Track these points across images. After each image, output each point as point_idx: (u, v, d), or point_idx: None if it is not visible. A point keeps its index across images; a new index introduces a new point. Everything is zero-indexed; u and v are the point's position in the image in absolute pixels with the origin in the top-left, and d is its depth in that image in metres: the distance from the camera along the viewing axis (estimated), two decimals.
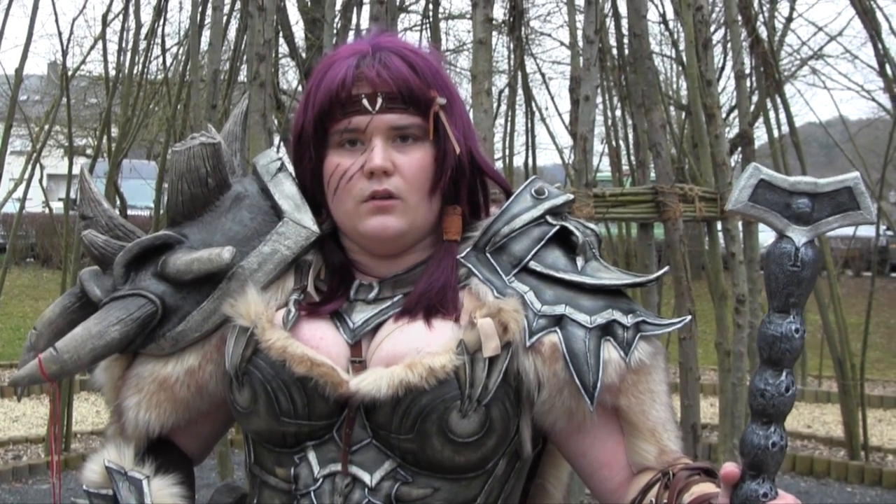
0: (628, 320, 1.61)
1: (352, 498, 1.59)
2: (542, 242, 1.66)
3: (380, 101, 1.62)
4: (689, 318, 1.82)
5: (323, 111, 1.65)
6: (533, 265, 1.64)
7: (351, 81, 1.63)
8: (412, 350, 1.58)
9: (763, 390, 1.31)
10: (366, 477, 1.59)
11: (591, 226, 1.72)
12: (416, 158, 1.64)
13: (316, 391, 1.58)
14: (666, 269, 2.06)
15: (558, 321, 1.58)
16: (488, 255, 1.67)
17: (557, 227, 1.68)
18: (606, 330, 1.59)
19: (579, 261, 1.66)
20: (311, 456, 1.63)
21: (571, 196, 1.74)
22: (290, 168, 1.78)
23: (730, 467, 1.32)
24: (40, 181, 8.36)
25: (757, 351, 1.35)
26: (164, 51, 7.71)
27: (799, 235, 1.32)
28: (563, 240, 1.68)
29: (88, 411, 9.27)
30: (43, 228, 19.45)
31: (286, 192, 1.74)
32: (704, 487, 1.48)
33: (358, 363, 1.62)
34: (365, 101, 1.63)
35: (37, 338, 1.76)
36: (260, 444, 1.70)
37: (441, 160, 1.66)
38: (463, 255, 1.68)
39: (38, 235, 20.38)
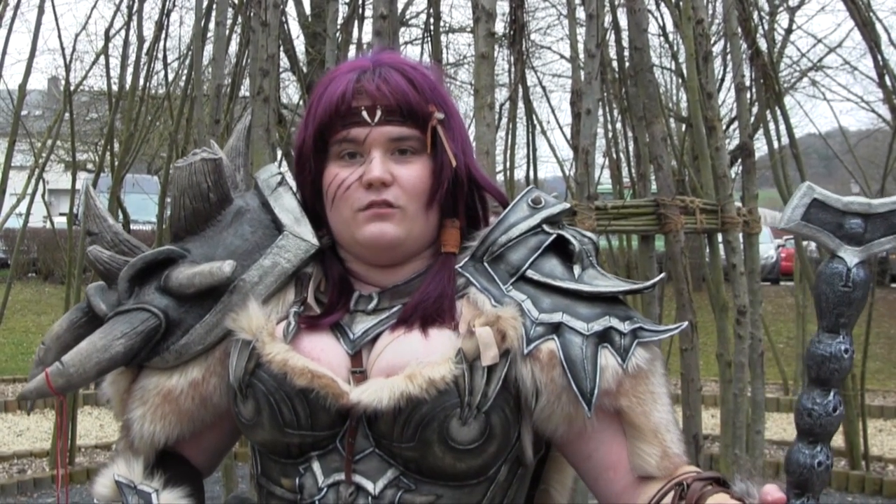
0: (625, 327, 1.62)
1: None
2: (540, 251, 1.69)
3: (379, 113, 1.65)
4: (685, 323, 1.83)
5: (323, 123, 1.68)
6: (530, 274, 1.66)
7: (351, 94, 1.66)
8: (411, 360, 1.60)
9: (811, 409, 1.32)
10: (369, 485, 1.61)
11: (589, 234, 1.74)
12: (414, 170, 1.67)
13: (318, 402, 1.60)
14: (662, 275, 2.07)
15: (556, 329, 1.60)
16: (486, 264, 1.70)
17: (554, 236, 1.70)
18: (604, 337, 1.60)
19: (576, 269, 1.68)
20: (316, 466, 1.65)
21: (568, 205, 1.77)
22: (291, 182, 1.80)
23: (775, 493, 1.33)
24: (42, 196, 8.37)
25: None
26: (165, 65, 7.73)
27: (851, 256, 1.32)
28: (561, 248, 1.70)
29: (92, 425, 9.29)
30: (45, 243, 19.46)
31: (286, 205, 1.77)
32: (721, 498, 1.48)
33: (358, 373, 1.64)
34: (364, 114, 1.66)
35: (45, 352, 1.78)
36: (265, 455, 1.72)
37: (438, 173, 1.69)
38: (461, 264, 1.70)
39: (39, 250, 20.38)
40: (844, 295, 1.31)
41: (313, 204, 1.76)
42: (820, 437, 1.32)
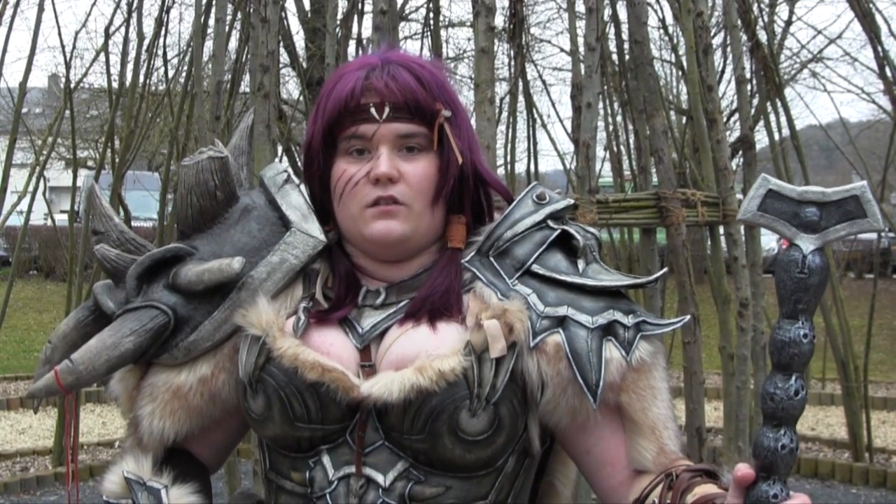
0: (629, 320, 1.65)
1: (366, 499, 1.63)
2: (544, 246, 1.71)
3: (387, 110, 1.67)
4: (688, 317, 1.86)
5: (332, 120, 1.70)
6: (535, 268, 1.69)
7: (360, 91, 1.68)
8: (420, 353, 1.61)
9: (773, 394, 1.34)
10: (379, 478, 1.63)
11: (592, 229, 1.77)
12: (420, 167, 1.69)
13: (328, 396, 1.62)
14: (664, 270, 2.09)
15: (561, 322, 1.62)
16: (492, 259, 1.71)
17: (559, 231, 1.72)
18: (608, 330, 1.63)
19: (580, 263, 1.71)
20: (326, 459, 1.66)
21: (572, 201, 1.78)
22: (296, 179, 1.82)
23: (744, 469, 1.34)
24: (43, 194, 8.37)
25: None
26: (165, 62, 7.74)
27: (807, 243, 1.34)
28: (565, 243, 1.73)
29: (94, 423, 9.29)
30: (46, 241, 19.46)
31: (293, 202, 1.78)
32: (707, 488, 1.51)
33: (368, 367, 1.66)
34: (373, 110, 1.67)
35: (52, 351, 1.79)
36: (275, 449, 1.73)
37: (444, 170, 1.70)
38: (467, 259, 1.72)
39: (41, 248, 20.37)
40: (801, 281, 1.33)
41: (321, 199, 1.78)
42: (783, 420, 1.34)
